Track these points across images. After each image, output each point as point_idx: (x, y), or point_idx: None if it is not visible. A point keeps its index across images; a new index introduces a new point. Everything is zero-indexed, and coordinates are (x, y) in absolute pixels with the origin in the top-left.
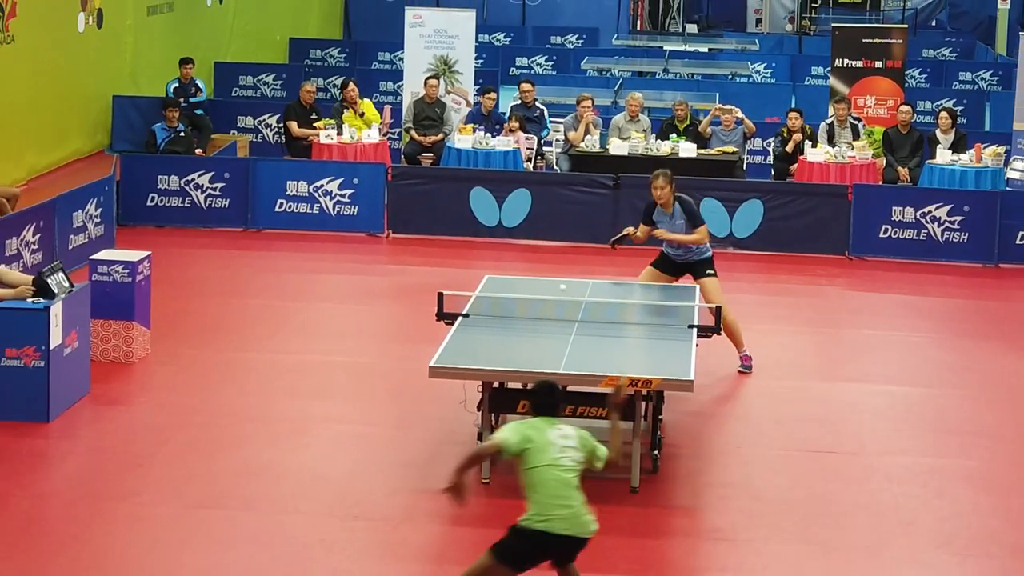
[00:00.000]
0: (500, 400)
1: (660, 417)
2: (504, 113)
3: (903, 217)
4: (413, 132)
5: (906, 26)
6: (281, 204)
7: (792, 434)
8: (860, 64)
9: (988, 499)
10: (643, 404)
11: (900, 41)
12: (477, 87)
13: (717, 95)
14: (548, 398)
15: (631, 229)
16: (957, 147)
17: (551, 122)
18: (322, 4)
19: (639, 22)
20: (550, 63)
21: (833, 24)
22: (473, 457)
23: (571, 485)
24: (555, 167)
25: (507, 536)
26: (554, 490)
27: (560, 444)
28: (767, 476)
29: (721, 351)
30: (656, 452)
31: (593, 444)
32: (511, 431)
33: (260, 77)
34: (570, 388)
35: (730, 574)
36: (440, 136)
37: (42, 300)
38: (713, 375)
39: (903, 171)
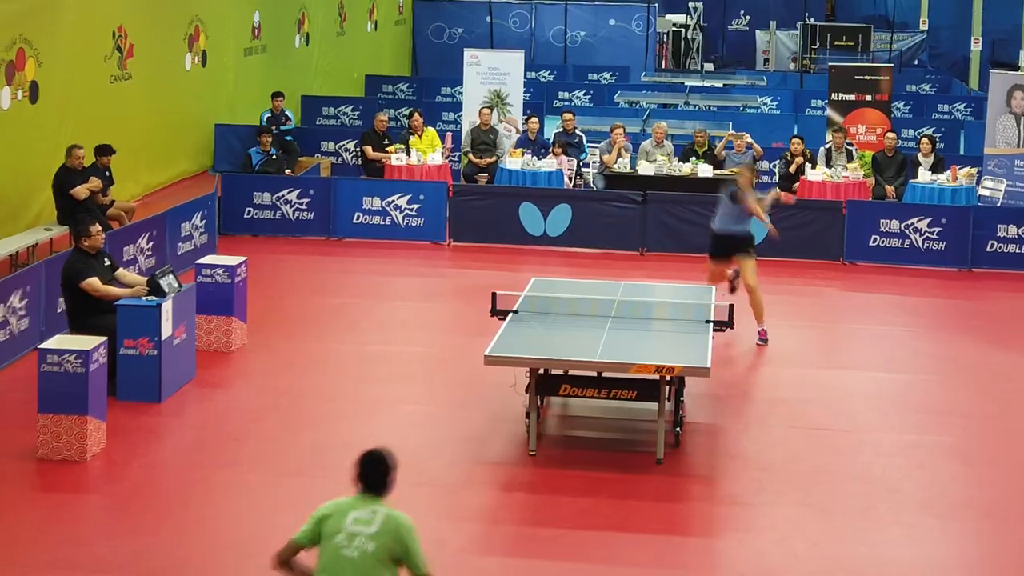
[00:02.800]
0: (545, 384)
1: (681, 399)
2: (549, 139)
3: (890, 228)
4: (471, 155)
5: (892, 65)
6: (358, 217)
7: (795, 414)
8: (853, 97)
9: (963, 470)
10: (667, 387)
11: (887, 78)
12: (525, 116)
13: (730, 124)
14: (371, 472)
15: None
16: (936, 168)
17: (588, 146)
18: (393, 45)
19: (664, 61)
20: (588, 96)
21: (830, 63)
22: (279, 562)
23: (349, 574)
24: (592, 185)
25: None
26: None
27: (350, 531)
28: (774, 450)
29: (735, 343)
30: (678, 429)
31: (407, 544)
32: (309, 522)
33: (340, 108)
34: (604, 374)
35: (742, 533)
36: (494, 159)
37: (155, 298)
38: (728, 364)
39: (890, 189)
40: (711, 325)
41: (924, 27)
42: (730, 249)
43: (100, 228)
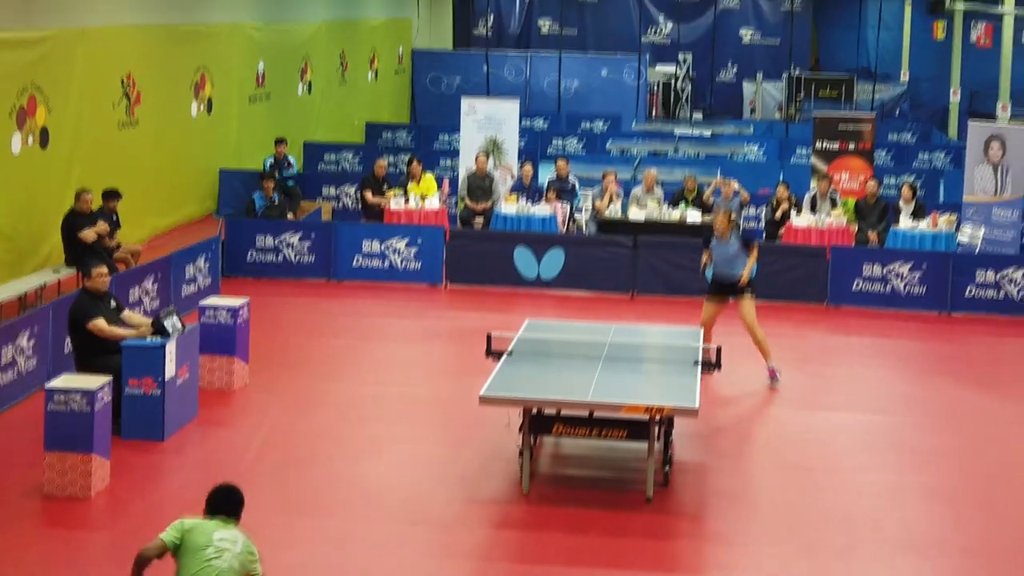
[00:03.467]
0: (538, 424)
1: (670, 438)
2: (543, 185)
3: (872, 273)
4: (467, 200)
5: (874, 115)
6: (358, 259)
7: (780, 453)
8: (836, 146)
9: (942, 509)
10: (656, 427)
11: (869, 127)
12: (520, 163)
13: (719, 170)
14: (224, 502)
15: (705, 259)
16: (917, 215)
17: (581, 192)
18: (393, 94)
19: (654, 110)
20: (581, 144)
21: (814, 113)
22: (140, 560)
23: None
24: (584, 230)
25: None
26: None
27: (218, 545)
28: (760, 489)
29: (724, 385)
30: (667, 468)
31: (256, 568)
32: (174, 528)
33: (341, 154)
34: (596, 414)
35: (728, 571)
36: (489, 204)
37: (159, 339)
38: (716, 404)
39: (872, 235)
40: (699, 367)
41: (905, 79)
42: (723, 290)
43: (104, 270)
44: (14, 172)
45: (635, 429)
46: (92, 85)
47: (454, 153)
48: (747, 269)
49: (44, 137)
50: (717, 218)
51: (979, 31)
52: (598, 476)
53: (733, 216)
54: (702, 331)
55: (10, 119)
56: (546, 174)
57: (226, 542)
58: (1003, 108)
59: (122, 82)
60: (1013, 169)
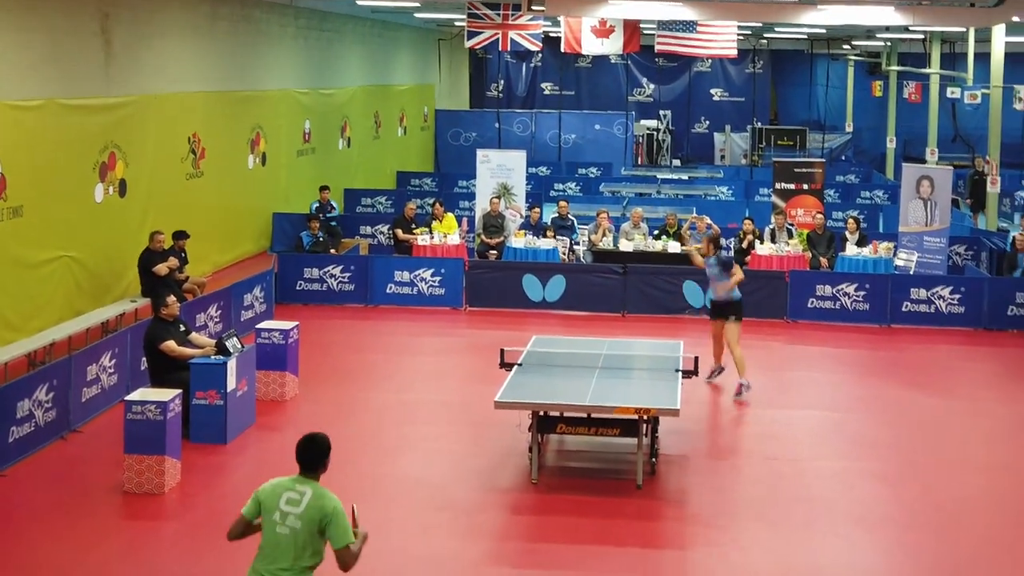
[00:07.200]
0: (544, 424)
1: (656, 434)
2: (546, 223)
3: (824, 293)
4: (483, 236)
5: (824, 160)
6: (391, 287)
7: (750, 446)
8: (793, 186)
9: (886, 490)
10: (644, 425)
11: (820, 170)
12: (527, 204)
13: (694, 208)
14: (303, 454)
15: (699, 248)
16: (860, 244)
17: (579, 228)
18: (419, 147)
19: (640, 158)
20: (578, 187)
21: (774, 159)
22: (234, 534)
23: (284, 549)
24: (582, 260)
25: None
26: (269, 551)
27: (283, 510)
28: (733, 476)
29: (701, 390)
30: (654, 459)
31: (328, 520)
32: (252, 499)
33: (376, 198)
34: (593, 415)
35: (708, 546)
36: (502, 239)
37: (222, 357)
38: (696, 405)
39: (823, 260)
40: (680, 373)
41: (850, 129)
42: (717, 313)
43: (175, 300)
44: (97, 217)
45: (626, 427)
46: (163, 142)
47: (471, 196)
48: (725, 287)
49: (123, 187)
50: (704, 241)
51: (911, 89)
52: (595, 468)
53: (718, 242)
54: (682, 344)
55: (94, 172)
56: (549, 213)
57: (290, 505)
58: (931, 153)
59: (189, 140)
60: (940, 203)
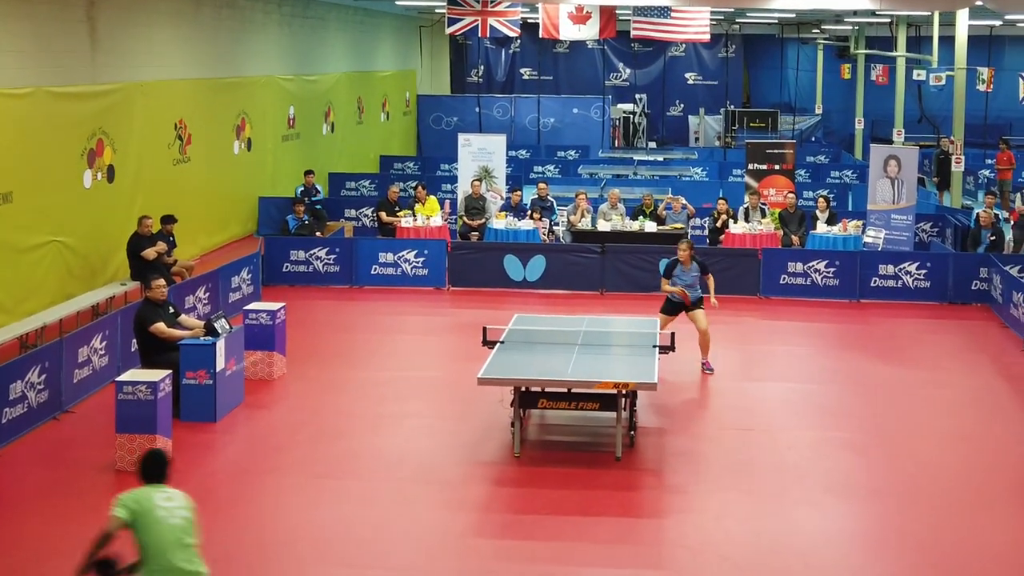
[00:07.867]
0: (526, 399)
1: (635, 408)
2: (527, 204)
3: (795, 269)
4: (464, 218)
5: (795, 141)
6: (375, 268)
7: (725, 417)
8: (765, 167)
9: (855, 459)
10: (623, 400)
11: (791, 151)
12: (508, 186)
13: (669, 189)
14: (152, 469)
15: (678, 291)
16: (830, 222)
17: (558, 209)
18: (402, 132)
19: (616, 141)
20: (557, 169)
21: (746, 140)
22: (99, 540)
23: (185, 531)
24: (561, 240)
25: None
26: (168, 544)
27: (164, 506)
28: (709, 447)
29: (677, 365)
30: (632, 432)
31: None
32: (120, 505)
33: (360, 182)
34: (573, 390)
35: (684, 514)
36: (483, 220)
37: (210, 338)
38: (672, 380)
39: (795, 238)
40: (657, 349)
41: (819, 111)
42: (674, 309)
43: (163, 282)
44: (86, 203)
45: (606, 401)
46: (150, 129)
47: (453, 179)
48: (712, 293)
49: (111, 173)
50: (681, 249)
51: (878, 71)
52: (576, 441)
53: (693, 245)
54: (659, 320)
55: (82, 159)
56: (529, 195)
57: (169, 501)
58: (898, 133)
59: (175, 126)
60: (907, 182)
